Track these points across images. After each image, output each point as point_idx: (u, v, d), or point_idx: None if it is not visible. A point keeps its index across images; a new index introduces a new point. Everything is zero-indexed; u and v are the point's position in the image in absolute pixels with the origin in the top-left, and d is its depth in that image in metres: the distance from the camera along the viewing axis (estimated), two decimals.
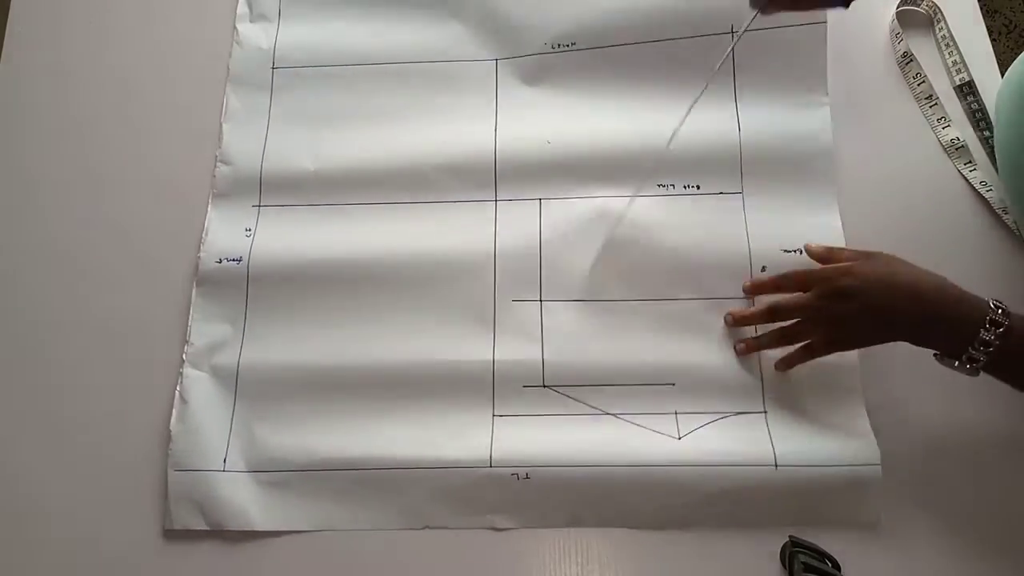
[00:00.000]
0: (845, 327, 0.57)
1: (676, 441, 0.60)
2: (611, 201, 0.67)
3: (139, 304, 0.68)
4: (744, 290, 0.63)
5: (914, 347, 0.56)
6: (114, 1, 0.79)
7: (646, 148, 0.67)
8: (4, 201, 0.72)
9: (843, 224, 0.65)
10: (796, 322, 0.59)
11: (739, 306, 0.63)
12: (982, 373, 0.54)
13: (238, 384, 0.64)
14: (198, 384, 0.64)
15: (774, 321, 0.60)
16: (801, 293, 0.59)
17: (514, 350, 0.63)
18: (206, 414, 0.63)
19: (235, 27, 0.76)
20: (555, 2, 0.73)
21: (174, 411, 0.63)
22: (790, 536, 0.57)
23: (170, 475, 0.61)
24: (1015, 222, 0.66)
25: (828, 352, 0.58)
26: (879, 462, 0.58)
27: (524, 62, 0.72)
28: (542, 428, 0.61)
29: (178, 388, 0.64)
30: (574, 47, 0.71)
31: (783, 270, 0.63)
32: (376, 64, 0.73)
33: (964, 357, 0.53)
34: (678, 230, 0.65)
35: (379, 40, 0.74)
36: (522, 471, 0.60)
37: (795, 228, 0.65)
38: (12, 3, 0.79)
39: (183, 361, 0.65)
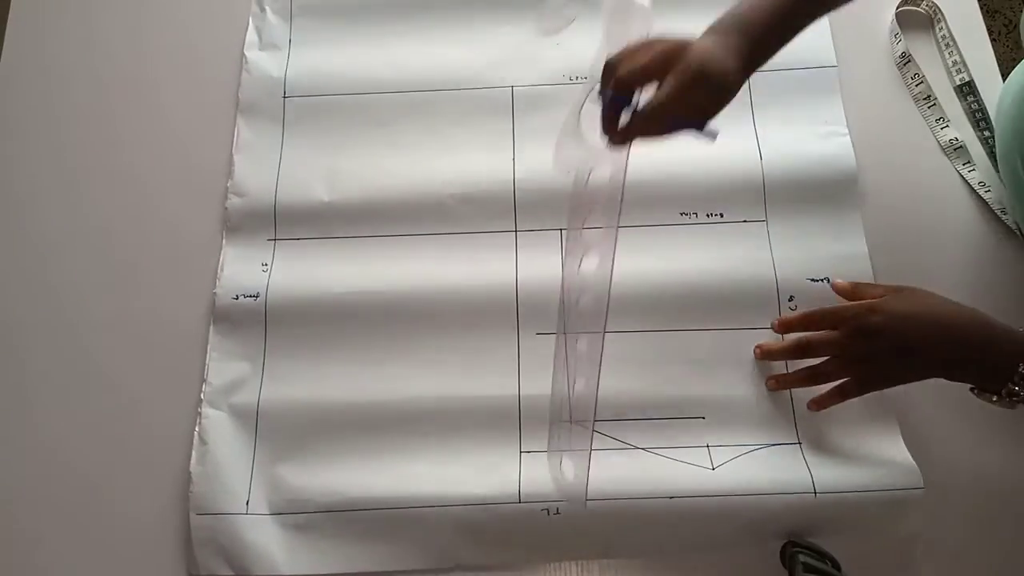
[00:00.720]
0: (876, 366, 0.56)
1: (711, 471, 0.60)
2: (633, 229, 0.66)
3: (155, 342, 0.66)
4: (772, 327, 0.62)
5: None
6: (117, 27, 0.77)
7: (666, 177, 0.67)
8: (3, 232, 0.70)
9: None
10: (826, 361, 0.58)
11: (766, 337, 0.63)
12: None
13: (258, 423, 0.63)
14: (217, 424, 0.63)
15: (802, 358, 0.59)
16: (830, 331, 0.57)
17: (540, 385, 0.63)
18: (226, 455, 0.62)
19: (244, 55, 0.74)
20: (570, 35, 0.73)
21: (193, 452, 0.62)
22: (790, 536, 0.57)
23: (192, 519, 0.60)
24: (1016, 223, 0.66)
25: (861, 393, 0.57)
26: (922, 485, 0.58)
27: (541, 91, 0.71)
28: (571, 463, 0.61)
29: (197, 429, 0.63)
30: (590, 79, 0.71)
31: (810, 300, 0.63)
32: (390, 92, 0.72)
33: (1003, 392, 0.52)
34: (703, 259, 0.65)
35: (392, 67, 0.73)
36: (552, 506, 0.59)
37: (821, 255, 0.65)
38: (8, 29, 0.77)
39: (201, 400, 0.64)
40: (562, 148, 0.59)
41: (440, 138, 0.70)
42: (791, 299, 0.64)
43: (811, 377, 0.59)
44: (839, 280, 0.62)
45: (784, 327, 0.61)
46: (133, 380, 0.65)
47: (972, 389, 0.55)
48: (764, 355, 0.61)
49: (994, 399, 0.54)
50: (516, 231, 0.67)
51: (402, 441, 0.62)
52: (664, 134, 0.51)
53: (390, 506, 0.60)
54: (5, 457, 0.63)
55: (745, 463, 0.60)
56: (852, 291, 0.60)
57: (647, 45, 0.50)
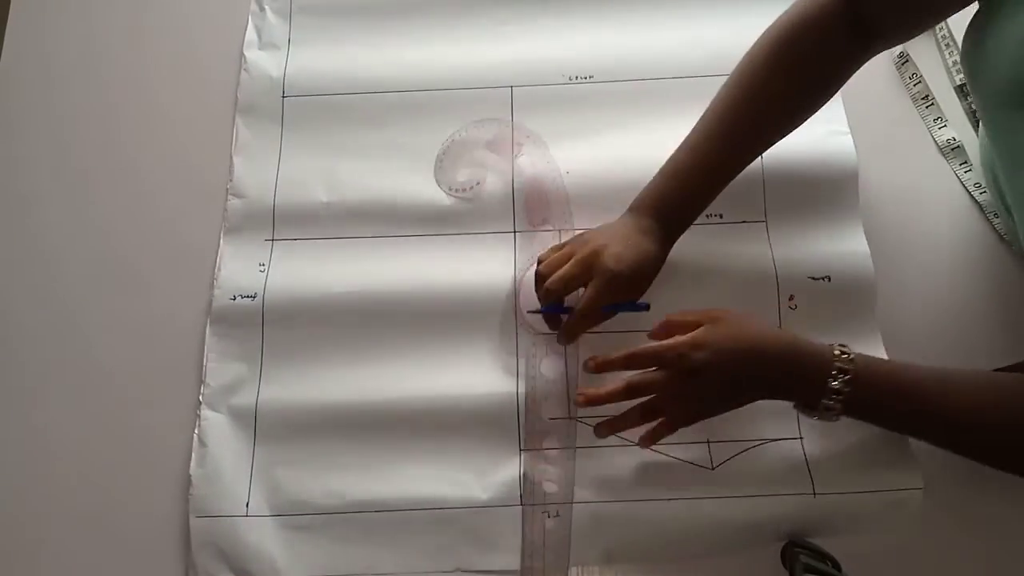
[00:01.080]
0: (704, 400, 0.56)
1: (710, 472, 0.60)
2: None
3: (154, 343, 0.66)
4: (586, 369, 0.58)
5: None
6: (117, 27, 0.77)
7: None
8: (2, 234, 0.70)
9: None
10: (654, 397, 0.56)
11: None
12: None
13: (257, 425, 0.63)
14: (216, 426, 0.63)
15: (631, 399, 0.57)
16: (656, 371, 0.56)
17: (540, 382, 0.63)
18: (226, 457, 0.62)
19: (243, 54, 0.74)
20: (572, 35, 0.73)
21: (193, 455, 0.62)
22: (790, 537, 0.57)
23: (192, 522, 0.60)
24: (1002, 226, 0.67)
25: (690, 424, 0.57)
26: (921, 486, 0.58)
27: (540, 91, 0.72)
28: (571, 461, 0.61)
29: (196, 431, 0.63)
30: (591, 80, 0.71)
31: (811, 299, 0.63)
32: (389, 92, 0.72)
33: (820, 407, 0.54)
34: (703, 260, 0.65)
35: (391, 67, 0.73)
36: (553, 509, 0.59)
37: (821, 254, 0.65)
38: (8, 29, 0.77)
39: (200, 403, 0.63)
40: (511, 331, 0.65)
41: (439, 138, 0.70)
42: (791, 298, 0.64)
43: (644, 416, 0.57)
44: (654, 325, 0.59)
45: (602, 368, 0.58)
46: (132, 381, 0.65)
47: (795, 406, 0.56)
48: (588, 401, 0.57)
49: (815, 415, 0.55)
50: (515, 232, 0.67)
51: (401, 442, 0.62)
52: (603, 320, 0.60)
53: (391, 507, 0.60)
54: (5, 459, 0.63)
55: (745, 462, 0.60)
56: (666, 332, 0.58)
57: (568, 250, 0.60)
